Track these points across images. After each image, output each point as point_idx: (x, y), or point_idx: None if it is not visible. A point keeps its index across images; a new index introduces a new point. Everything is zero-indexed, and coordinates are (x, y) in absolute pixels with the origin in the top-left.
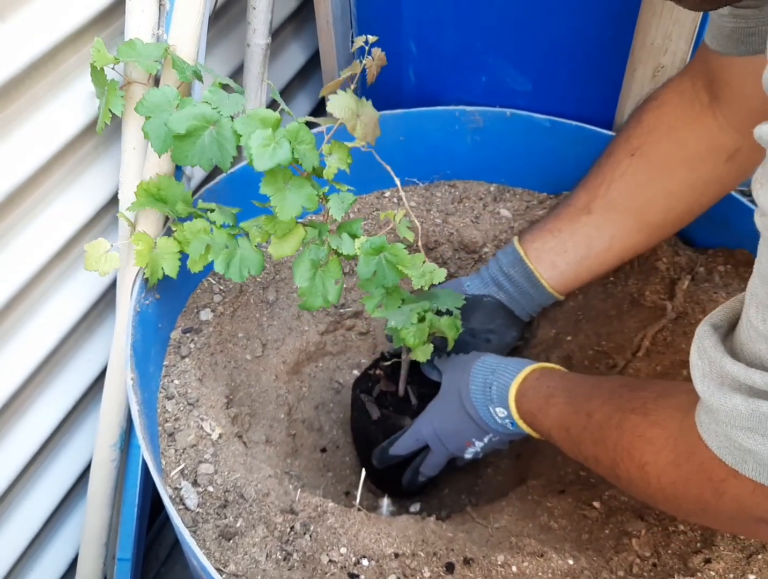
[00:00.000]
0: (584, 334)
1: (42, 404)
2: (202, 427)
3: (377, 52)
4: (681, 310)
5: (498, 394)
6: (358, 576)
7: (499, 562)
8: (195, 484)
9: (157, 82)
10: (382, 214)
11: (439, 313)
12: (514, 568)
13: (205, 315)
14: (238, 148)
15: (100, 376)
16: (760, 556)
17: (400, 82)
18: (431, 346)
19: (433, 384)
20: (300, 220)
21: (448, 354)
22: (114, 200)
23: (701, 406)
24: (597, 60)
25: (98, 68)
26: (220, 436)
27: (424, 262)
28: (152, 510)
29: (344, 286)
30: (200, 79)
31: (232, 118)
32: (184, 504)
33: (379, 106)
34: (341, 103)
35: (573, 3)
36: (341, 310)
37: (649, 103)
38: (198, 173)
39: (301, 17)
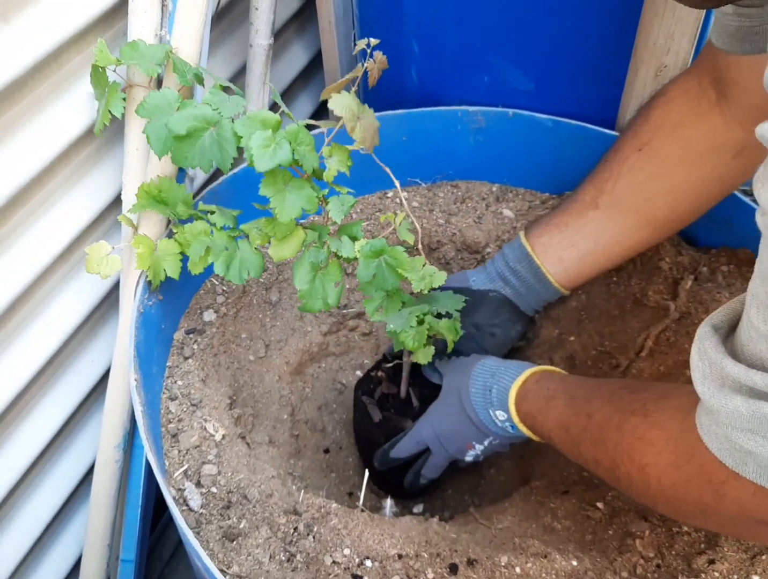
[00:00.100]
0: (587, 334)
1: (45, 406)
2: (205, 428)
3: (379, 55)
4: (684, 310)
5: (498, 397)
6: (361, 577)
7: (503, 563)
8: (198, 485)
9: (160, 83)
10: (382, 217)
11: (438, 315)
12: (517, 569)
13: (208, 316)
14: (239, 150)
15: (104, 378)
16: (764, 557)
17: (402, 81)
18: (432, 348)
19: (435, 386)
20: (300, 222)
21: (449, 356)
22: (117, 202)
23: (702, 408)
24: (599, 59)
25: (99, 69)
26: (224, 436)
27: (424, 265)
28: (155, 511)
29: (347, 286)
30: (201, 82)
31: (232, 119)
32: (187, 505)
33: (381, 106)
34: (342, 103)
35: (575, 2)
36: (344, 311)
37: (656, 100)
38: (201, 174)
39: (304, 17)
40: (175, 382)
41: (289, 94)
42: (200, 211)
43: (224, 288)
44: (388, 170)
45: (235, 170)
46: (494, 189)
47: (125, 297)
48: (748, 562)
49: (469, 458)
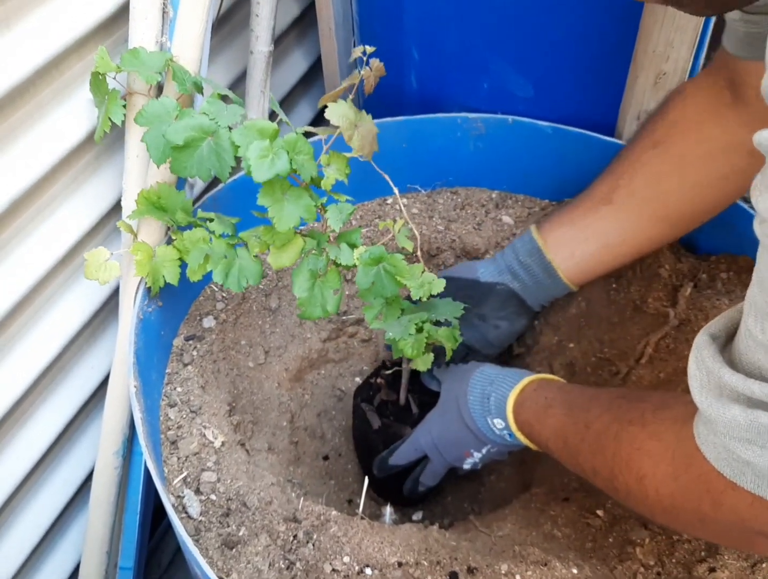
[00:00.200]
0: (587, 340)
1: (45, 412)
2: (204, 435)
3: (375, 62)
4: (684, 317)
5: (496, 405)
6: None
7: (503, 571)
8: (198, 492)
9: (160, 90)
10: (381, 224)
11: (437, 323)
12: (518, 577)
13: (208, 322)
14: (237, 159)
15: (103, 384)
16: (764, 565)
17: (402, 88)
18: (431, 355)
19: (434, 393)
20: (299, 230)
21: (447, 364)
22: (117, 208)
23: (699, 417)
24: (599, 66)
25: (99, 77)
26: (223, 443)
27: (423, 273)
28: (154, 517)
29: (346, 293)
30: (200, 91)
31: (230, 128)
32: (186, 512)
33: (381, 113)
34: (339, 112)
35: (574, 10)
36: (343, 318)
37: (672, 98)
38: (200, 181)
39: (304, 24)
40: (175, 388)
41: (289, 100)
42: (199, 219)
43: (224, 295)
44: (386, 177)
45: (235, 177)
46: (494, 196)
47: (125, 303)
48: (749, 570)
49: (467, 466)
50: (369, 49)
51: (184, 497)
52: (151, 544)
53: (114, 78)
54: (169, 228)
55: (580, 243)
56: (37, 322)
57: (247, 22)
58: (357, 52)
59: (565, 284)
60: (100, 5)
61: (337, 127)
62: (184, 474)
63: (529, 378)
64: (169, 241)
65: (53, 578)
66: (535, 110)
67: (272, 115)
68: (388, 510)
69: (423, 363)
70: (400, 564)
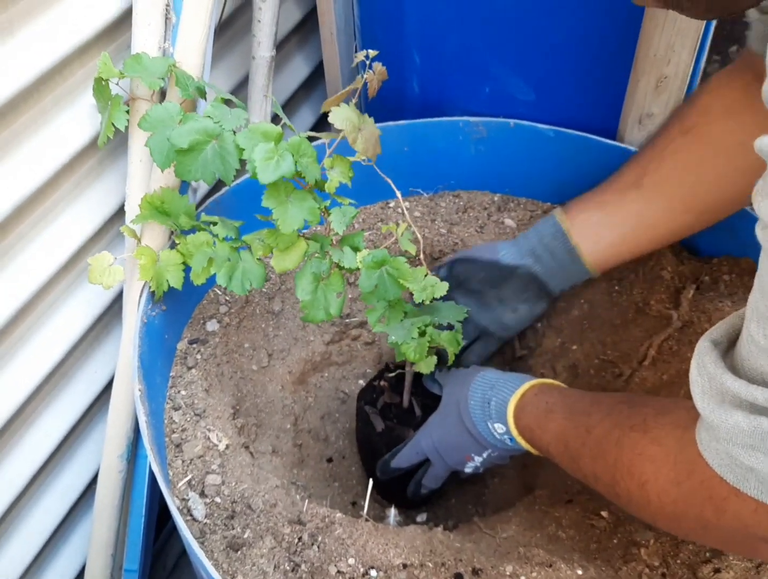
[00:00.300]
0: (590, 342)
1: (49, 416)
2: (209, 438)
3: (378, 66)
4: (686, 319)
5: (497, 410)
6: None
7: (508, 573)
8: (202, 494)
9: (163, 96)
10: (384, 227)
11: (440, 326)
12: (522, 578)
13: (212, 326)
14: (241, 162)
15: (107, 388)
16: None
17: (403, 92)
18: (434, 358)
19: (437, 396)
20: (302, 233)
21: (449, 368)
22: (120, 212)
23: (701, 424)
24: (600, 70)
25: (102, 82)
26: (227, 446)
27: (426, 276)
28: (158, 520)
29: (349, 295)
30: (203, 95)
31: (234, 132)
32: (191, 515)
33: (382, 117)
34: (343, 116)
35: (575, 13)
36: (347, 320)
37: (703, 88)
38: (203, 185)
39: (306, 29)
40: (179, 392)
41: (291, 105)
42: (203, 222)
43: (227, 298)
44: (389, 181)
45: (238, 181)
46: (496, 199)
47: (128, 307)
48: (754, 571)
49: (468, 470)
50: (372, 53)
51: (188, 500)
52: (156, 547)
53: (117, 84)
54: (172, 232)
55: (607, 227)
56: (41, 327)
57: (249, 28)
58: (360, 56)
59: (587, 270)
60: (103, 11)
61: (340, 131)
62: (189, 477)
63: (530, 383)
64: (173, 245)
65: None
66: (537, 114)
67: (274, 120)
68: (392, 512)
69: (426, 366)
70: (404, 565)
